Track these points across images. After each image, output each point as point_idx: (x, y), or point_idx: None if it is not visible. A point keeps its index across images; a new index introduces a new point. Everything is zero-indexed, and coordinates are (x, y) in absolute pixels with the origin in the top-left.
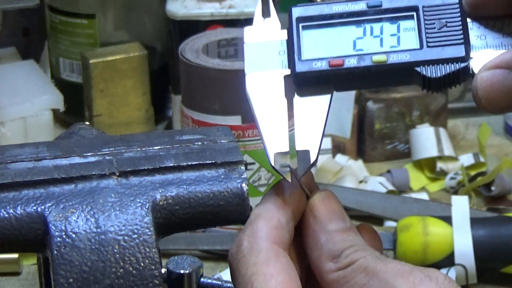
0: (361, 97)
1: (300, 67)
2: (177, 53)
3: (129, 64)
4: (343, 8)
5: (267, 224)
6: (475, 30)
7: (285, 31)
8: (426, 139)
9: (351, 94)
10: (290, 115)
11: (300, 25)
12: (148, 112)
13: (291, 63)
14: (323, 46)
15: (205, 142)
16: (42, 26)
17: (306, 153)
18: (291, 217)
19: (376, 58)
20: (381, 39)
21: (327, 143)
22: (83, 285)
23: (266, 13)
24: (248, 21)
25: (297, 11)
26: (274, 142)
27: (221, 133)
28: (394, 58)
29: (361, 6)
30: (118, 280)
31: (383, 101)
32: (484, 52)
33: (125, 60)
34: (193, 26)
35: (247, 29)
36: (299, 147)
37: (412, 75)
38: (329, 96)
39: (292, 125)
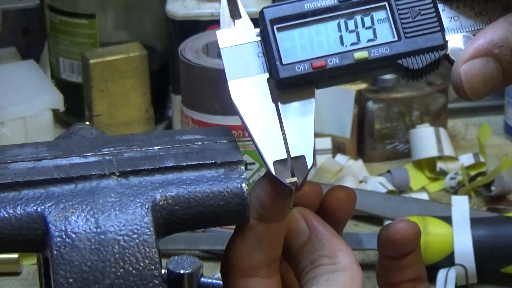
0: (361, 97)
1: (283, 73)
2: (177, 53)
3: (129, 64)
4: (314, 5)
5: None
6: (447, 12)
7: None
8: (426, 139)
9: (351, 94)
10: (280, 118)
11: (275, 27)
12: (148, 112)
13: (272, 69)
14: (302, 48)
15: (205, 142)
16: (42, 26)
17: (302, 158)
18: (263, 238)
19: (358, 55)
20: (357, 33)
21: (327, 143)
22: (83, 285)
23: (236, 15)
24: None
25: (269, 13)
26: (271, 150)
27: (221, 133)
28: (375, 53)
29: (332, 1)
30: (118, 280)
31: (383, 101)
32: (459, 35)
33: (125, 60)
34: (193, 26)
35: (219, 33)
36: (294, 153)
37: (393, 66)
38: (313, 99)
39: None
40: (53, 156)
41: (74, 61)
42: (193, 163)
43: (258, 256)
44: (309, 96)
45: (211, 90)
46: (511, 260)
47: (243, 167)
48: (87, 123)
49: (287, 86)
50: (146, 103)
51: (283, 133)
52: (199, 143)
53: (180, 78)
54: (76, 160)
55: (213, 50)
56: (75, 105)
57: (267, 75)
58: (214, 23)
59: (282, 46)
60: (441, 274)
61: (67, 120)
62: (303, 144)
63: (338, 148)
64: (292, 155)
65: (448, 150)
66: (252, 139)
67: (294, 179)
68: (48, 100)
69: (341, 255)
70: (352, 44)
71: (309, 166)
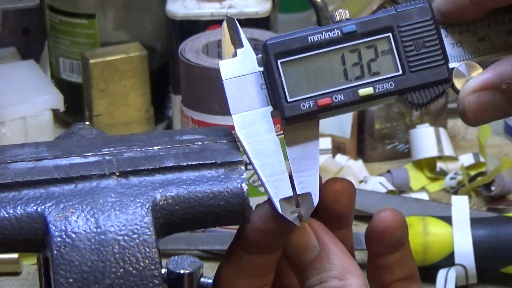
0: None
1: (288, 112)
2: (177, 53)
3: (129, 64)
4: (318, 37)
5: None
6: (450, 37)
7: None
8: (426, 139)
9: None
10: (286, 155)
11: (279, 62)
12: (148, 112)
13: (277, 105)
14: (306, 83)
15: (205, 142)
16: (42, 26)
17: (308, 196)
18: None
19: (363, 92)
20: (362, 66)
21: (327, 143)
22: (83, 285)
23: (238, 44)
24: (248, 21)
25: (273, 47)
26: (277, 188)
27: (221, 133)
28: (380, 89)
29: (336, 34)
30: (118, 280)
31: None
32: (462, 63)
33: (125, 60)
34: (193, 26)
35: (222, 64)
36: (300, 190)
37: (397, 99)
38: (317, 140)
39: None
40: (53, 156)
41: (74, 61)
42: (193, 163)
43: (242, 282)
44: (314, 129)
45: (211, 90)
46: (511, 260)
47: (243, 167)
48: (87, 123)
49: (292, 123)
50: (146, 103)
51: (289, 171)
52: (199, 143)
53: (180, 78)
54: (76, 160)
55: (213, 50)
56: (75, 105)
57: (270, 108)
58: (214, 23)
59: (287, 82)
60: (441, 274)
61: (67, 120)
62: (309, 180)
63: (338, 148)
64: (298, 193)
65: (448, 150)
66: (258, 176)
67: (297, 212)
68: (48, 100)
69: (351, 278)
70: (357, 78)
71: (315, 204)
